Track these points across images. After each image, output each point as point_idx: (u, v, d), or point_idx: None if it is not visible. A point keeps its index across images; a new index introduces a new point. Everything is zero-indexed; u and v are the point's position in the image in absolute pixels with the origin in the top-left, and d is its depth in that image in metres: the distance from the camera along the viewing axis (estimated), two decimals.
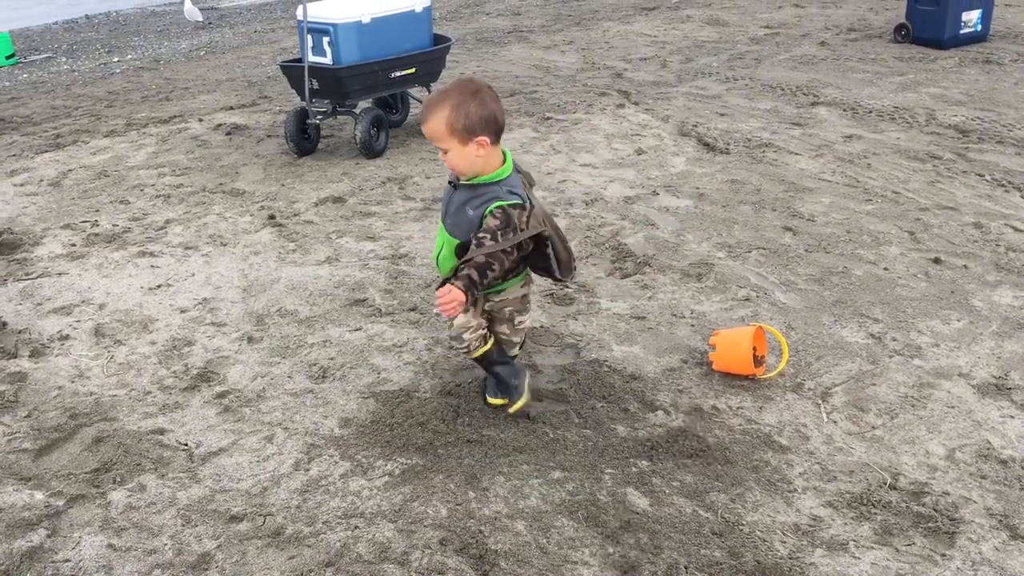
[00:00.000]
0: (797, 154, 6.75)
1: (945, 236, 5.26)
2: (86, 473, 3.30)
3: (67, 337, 4.33)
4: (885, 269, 4.89)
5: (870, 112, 7.70)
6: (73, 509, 3.11)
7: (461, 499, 3.17)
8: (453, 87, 3.26)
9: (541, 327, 4.41)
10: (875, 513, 3.09)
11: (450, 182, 3.48)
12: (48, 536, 2.97)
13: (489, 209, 3.27)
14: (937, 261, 4.94)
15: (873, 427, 3.58)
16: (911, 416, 3.64)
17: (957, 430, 3.55)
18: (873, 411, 3.68)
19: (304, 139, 7.14)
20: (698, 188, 6.15)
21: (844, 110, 7.81)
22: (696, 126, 7.50)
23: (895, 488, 3.22)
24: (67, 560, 2.86)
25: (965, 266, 4.88)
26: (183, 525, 3.04)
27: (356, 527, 3.01)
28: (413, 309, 4.60)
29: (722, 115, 7.82)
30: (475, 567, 2.85)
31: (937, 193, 5.90)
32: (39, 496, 3.17)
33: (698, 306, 4.58)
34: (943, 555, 2.89)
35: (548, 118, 7.91)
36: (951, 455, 3.40)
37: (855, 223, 5.48)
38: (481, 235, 3.27)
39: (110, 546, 2.92)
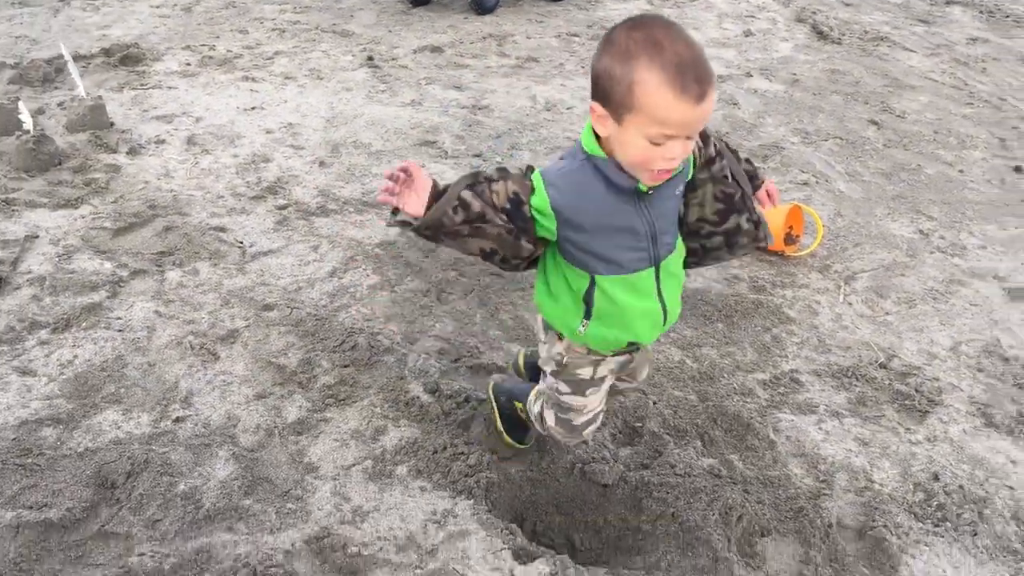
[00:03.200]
0: (911, 51, 6.48)
1: None
2: (152, 254, 3.73)
3: (163, 142, 4.77)
4: (960, 171, 4.76)
5: (1007, 16, 7.25)
6: (134, 280, 3.55)
7: (468, 320, 3.43)
8: (663, 18, 1.85)
9: None
10: (855, 385, 3.19)
11: (643, 191, 1.98)
12: (108, 297, 3.42)
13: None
14: (1018, 170, 4.78)
15: (887, 313, 3.62)
16: (929, 308, 3.66)
17: (971, 326, 3.55)
18: (892, 299, 3.71)
19: None
20: (795, 74, 6.03)
21: (980, 12, 7.37)
22: (815, 13, 7.25)
23: (885, 367, 3.29)
24: (119, 318, 3.30)
25: None
26: (222, 305, 3.43)
27: (369, 328, 3.33)
28: (478, 155, 4.81)
29: (847, 4, 7.52)
30: (469, 379, 3.12)
31: None
32: (108, 266, 3.61)
33: None
34: (908, 429, 2.99)
35: None
36: (955, 347, 3.43)
37: (946, 124, 5.30)
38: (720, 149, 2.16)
39: (157, 312, 3.35)
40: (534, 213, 2.01)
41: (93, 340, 3.17)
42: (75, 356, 3.08)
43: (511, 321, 3.43)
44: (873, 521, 2.58)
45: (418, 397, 2.96)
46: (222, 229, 3.96)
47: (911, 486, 2.73)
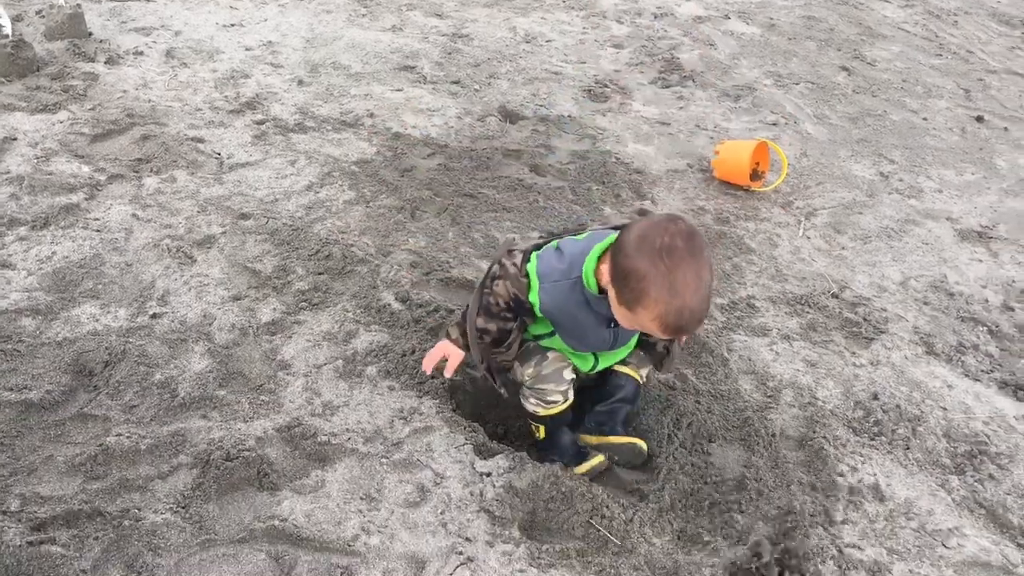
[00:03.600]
0: (886, 1, 6.58)
1: (1000, 99, 5.18)
2: (130, 160, 3.78)
3: (141, 53, 4.77)
4: (924, 119, 4.90)
5: None
6: (112, 185, 3.60)
7: (441, 236, 3.53)
8: (700, 243, 2.02)
9: (569, 116, 4.63)
10: (807, 312, 3.34)
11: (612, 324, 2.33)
12: (86, 199, 3.48)
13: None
14: (980, 119, 4.92)
15: (843, 247, 3.77)
16: (883, 244, 3.81)
17: (921, 263, 3.71)
18: (849, 234, 3.86)
19: None
20: (771, 19, 6.10)
21: None
22: None
23: (837, 297, 3.45)
24: (97, 219, 3.37)
25: (1006, 128, 4.85)
26: (199, 212, 3.50)
27: (344, 239, 3.42)
28: (456, 82, 4.87)
29: None
30: (439, 290, 3.23)
31: (1012, 59, 5.75)
32: (86, 169, 3.66)
33: (725, 122, 4.72)
34: (853, 353, 3.15)
35: None
36: (905, 282, 3.59)
37: (914, 73, 5.43)
38: None
39: (134, 215, 3.41)
40: (531, 306, 2.35)
41: (71, 238, 3.23)
42: (53, 252, 3.15)
43: (482, 239, 3.54)
44: (814, 433, 2.74)
45: (389, 305, 3.07)
46: (200, 140, 4.01)
47: (852, 404, 2.90)
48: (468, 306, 2.50)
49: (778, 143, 4.51)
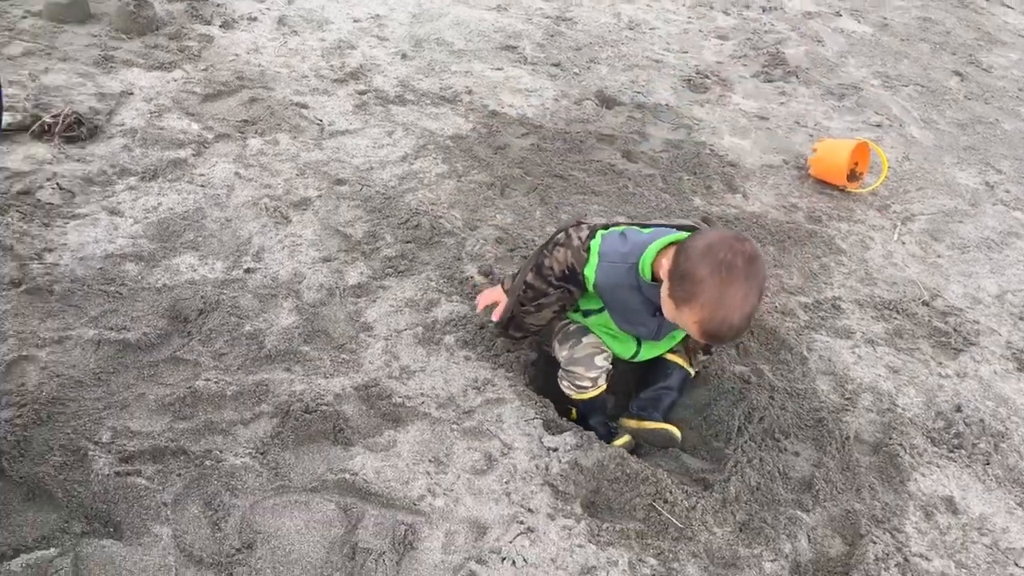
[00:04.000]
0: (1009, 7, 6.32)
1: None
2: (236, 121, 3.92)
3: (255, 19, 4.93)
4: None
5: None
6: (218, 143, 3.75)
7: (528, 214, 3.57)
8: (759, 268, 2.12)
9: (666, 105, 4.61)
10: (895, 318, 3.27)
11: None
12: (193, 155, 3.62)
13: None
14: None
15: (938, 255, 3.67)
16: (981, 255, 3.69)
17: (1021, 277, 3.59)
18: (946, 243, 3.75)
19: None
20: (885, 18, 5.94)
21: None
22: None
23: (927, 305, 3.36)
24: (202, 174, 3.51)
25: None
26: (297, 175, 3.61)
27: (433, 211, 3.49)
28: (556, 64, 4.89)
29: None
30: (518, 265, 3.27)
31: None
32: (195, 127, 3.82)
33: (826, 120, 4.63)
34: (939, 363, 3.07)
35: None
36: (1001, 295, 3.47)
37: None
38: None
39: (237, 174, 3.55)
40: (584, 279, 2.46)
41: (177, 191, 3.38)
42: (159, 203, 3.30)
43: (570, 219, 3.56)
44: (890, 439, 2.69)
45: (472, 277, 3.12)
46: (304, 106, 4.13)
47: (933, 414, 2.83)
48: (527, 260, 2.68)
49: (880, 145, 4.40)
